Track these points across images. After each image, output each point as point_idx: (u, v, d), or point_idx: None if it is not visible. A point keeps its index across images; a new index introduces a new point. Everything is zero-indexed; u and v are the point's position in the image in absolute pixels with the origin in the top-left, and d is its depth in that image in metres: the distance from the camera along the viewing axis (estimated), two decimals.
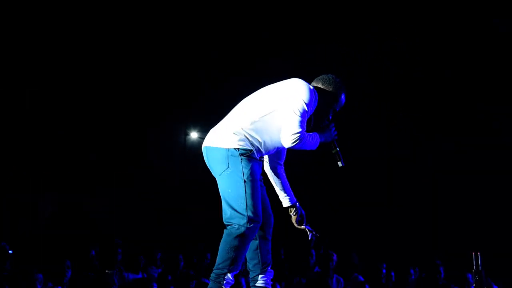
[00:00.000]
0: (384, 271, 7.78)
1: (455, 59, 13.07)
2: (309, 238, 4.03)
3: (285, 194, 4.08)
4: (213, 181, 3.84)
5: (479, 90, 12.86)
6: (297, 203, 4.09)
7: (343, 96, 3.93)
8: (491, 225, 11.61)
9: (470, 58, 12.84)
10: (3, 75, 11.75)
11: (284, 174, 4.12)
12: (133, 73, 13.29)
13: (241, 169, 3.63)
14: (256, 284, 3.93)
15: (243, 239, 3.60)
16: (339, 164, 3.92)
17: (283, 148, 4.02)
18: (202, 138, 14.80)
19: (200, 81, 14.16)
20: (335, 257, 7.21)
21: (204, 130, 15.00)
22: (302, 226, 4.06)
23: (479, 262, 4.42)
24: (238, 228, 3.59)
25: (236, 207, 3.61)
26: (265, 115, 3.71)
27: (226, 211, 3.67)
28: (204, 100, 14.30)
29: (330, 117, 3.95)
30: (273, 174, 4.11)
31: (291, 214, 4.10)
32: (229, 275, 3.62)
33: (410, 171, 13.53)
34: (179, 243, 9.78)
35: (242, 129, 3.70)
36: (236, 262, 3.63)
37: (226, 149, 3.67)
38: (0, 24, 11.24)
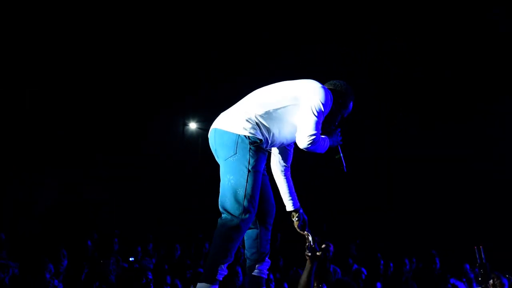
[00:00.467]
0: (381, 261, 7.81)
1: (455, 59, 13.07)
2: (307, 244, 4.02)
3: (290, 198, 4.07)
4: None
5: (478, 90, 12.87)
6: (300, 209, 4.07)
7: (351, 103, 3.96)
8: (489, 220, 11.61)
9: (470, 58, 12.84)
10: (3, 75, 11.74)
11: (290, 177, 4.10)
12: (132, 64, 13.29)
13: (248, 158, 3.60)
14: (253, 273, 3.92)
15: (237, 230, 3.57)
16: (342, 169, 3.94)
17: (290, 147, 4.03)
18: (200, 129, 14.82)
19: (200, 78, 14.16)
20: (332, 247, 7.21)
21: (203, 121, 15.02)
22: (305, 232, 4.05)
23: (483, 256, 4.39)
24: (231, 219, 3.56)
25: (234, 195, 3.58)
26: (280, 108, 3.70)
27: (224, 198, 3.63)
28: (203, 92, 14.30)
29: (337, 123, 3.96)
30: (279, 176, 4.09)
31: (293, 219, 4.08)
32: (222, 266, 3.59)
33: (410, 171, 13.52)
34: (177, 233, 9.78)
35: (255, 116, 3.67)
36: (230, 253, 3.60)
37: (237, 134, 3.63)
38: (0, 24, 11.24)
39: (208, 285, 3.56)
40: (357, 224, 12.71)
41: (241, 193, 3.57)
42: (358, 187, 13.26)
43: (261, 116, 3.69)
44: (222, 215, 3.63)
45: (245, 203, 3.56)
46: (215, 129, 3.79)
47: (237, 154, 3.62)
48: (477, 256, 4.41)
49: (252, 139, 3.63)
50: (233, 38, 13.54)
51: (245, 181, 3.58)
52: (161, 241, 8.71)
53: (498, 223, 11.50)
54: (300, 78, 3.94)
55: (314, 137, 3.63)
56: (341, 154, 3.94)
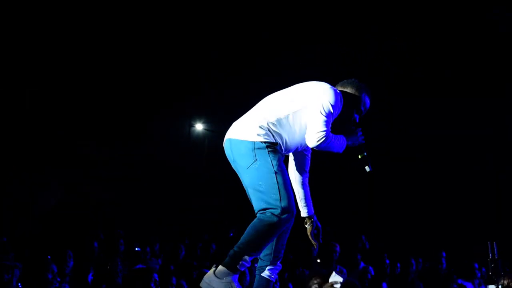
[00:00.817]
0: (387, 261, 7.82)
1: (455, 59, 13.08)
2: (315, 254, 4.02)
3: (305, 204, 4.06)
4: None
5: (478, 90, 12.89)
6: (314, 216, 4.06)
7: (367, 99, 3.96)
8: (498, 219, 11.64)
9: (470, 58, 12.85)
10: (3, 75, 11.71)
11: (307, 183, 4.10)
12: (133, 64, 13.26)
13: (270, 160, 3.59)
14: (262, 274, 3.90)
15: (273, 228, 3.53)
16: (367, 169, 3.89)
17: (307, 152, 4.05)
18: (207, 130, 14.80)
19: (200, 79, 14.16)
20: (338, 248, 7.19)
21: (209, 122, 15.01)
22: (316, 241, 4.03)
23: (495, 251, 4.40)
24: (271, 217, 3.52)
25: (269, 199, 3.55)
26: (290, 114, 3.71)
27: (259, 204, 3.60)
28: (208, 93, 14.27)
29: (357, 121, 3.95)
30: (297, 181, 4.08)
31: (306, 226, 4.07)
32: (246, 257, 3.55)
33: (412, 171, 13.54)
34: (182, 233, 9.77)
35: (267, 123, 3.68)
36: (259, 248, 3.59)
37: (252, 142, 3.63)
38: (0, 24, 11.22)
39: (229, 272, 3.55)
40: (358, 223, 12.71)
41: (275, 195, 3.54)
42: (358, 186, 13.25)
43: (272, 123, 3.70)
44: (260, 213, 3.59)
45: (283, 203, 3.52)
46: (230, 140, 3.79)
47: (258, 160, 3.60)
48: (490, 251, 4.41)
49: (268, 143, 3.63)
50: (233, 38, 13.52)
51: (276, 183, 3.55)
52: (163, 241, 8.70)
53: (507, 222, 11.50)
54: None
55: (323, 133, 3.61)
56: (365, 153, 3.91)
